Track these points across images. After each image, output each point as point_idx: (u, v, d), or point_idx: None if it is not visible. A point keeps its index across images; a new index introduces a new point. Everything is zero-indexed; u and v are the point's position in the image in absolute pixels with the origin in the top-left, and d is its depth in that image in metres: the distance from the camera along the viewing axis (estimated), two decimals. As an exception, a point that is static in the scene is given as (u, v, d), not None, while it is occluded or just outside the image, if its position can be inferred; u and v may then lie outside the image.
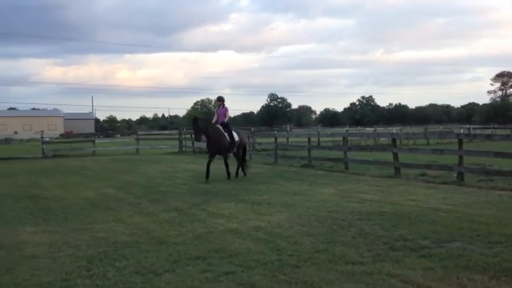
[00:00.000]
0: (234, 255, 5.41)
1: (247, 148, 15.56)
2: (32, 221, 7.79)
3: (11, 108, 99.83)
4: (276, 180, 12.62)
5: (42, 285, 4.59)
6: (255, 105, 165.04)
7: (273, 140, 20.49)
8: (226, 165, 13.16)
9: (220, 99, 13.97)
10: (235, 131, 14.05)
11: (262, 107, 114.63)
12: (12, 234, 6.84)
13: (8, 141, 41.65)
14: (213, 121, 13.70)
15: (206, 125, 13.14)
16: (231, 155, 13.93)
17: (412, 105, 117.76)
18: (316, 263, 5.05)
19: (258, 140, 25.06)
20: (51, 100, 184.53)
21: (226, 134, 13.23)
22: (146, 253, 5.66)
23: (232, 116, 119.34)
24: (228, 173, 13.15)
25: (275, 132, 23.44)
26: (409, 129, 40.47)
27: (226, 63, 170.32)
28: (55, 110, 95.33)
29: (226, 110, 13.79)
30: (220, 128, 13.28)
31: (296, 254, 5.37)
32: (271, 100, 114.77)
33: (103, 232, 6.86)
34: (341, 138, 18.00)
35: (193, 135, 28.56)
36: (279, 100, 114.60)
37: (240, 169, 13.85)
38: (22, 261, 5.43)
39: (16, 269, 5.13)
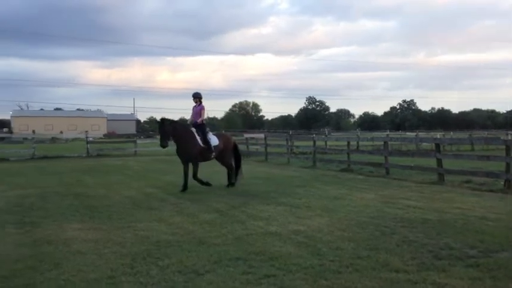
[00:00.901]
0: (275, 258, 5.40)
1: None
2: (78, 218, 8.03)
3: (57, 109, 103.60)
4: (314, 184, 12.53)
5: (89, 282, 4.72)
6: (292, 108, 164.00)
7: (311, 143, 20.36)
8: (185, 174, 11.42)
9: (196, 96, 12.03)
10: (216, 134, 12.54)
11: (300, 110, 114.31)
12: (60, 230, 7.06)
13: (54, 140, 43.30)
14: (188, 122, 12.34)
15: (174, 127, 11.52)
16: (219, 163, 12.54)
17: (455, 110, 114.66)
18: (359, 269, 4.97)
19: (296, 143, 24.94)
20: (95, 101, 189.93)
21: (198, 138, 11.52)
22: (188, 253, 5.73)
23: (269, 118, 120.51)
24: (203, 183, 11.55)
25: (314, 135, 23.28)
26: (452, 134, 39.31)
27: (264, 66, 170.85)
28: (99, 110, 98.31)
29: (201, 108, 11.92)
30: (193, 130, 11.65)
31: (337, 260, 5.30)
32: (309, 103, 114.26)
33: (146, 231, 7.00)
34: (381, 143, 17.71)
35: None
36: (317, 103, 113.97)
37: (235, 176, 12.36)
38: (69, 256, 5.60)
39: (63, 264, 5.30)
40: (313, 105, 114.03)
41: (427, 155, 16.39)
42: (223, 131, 13.43)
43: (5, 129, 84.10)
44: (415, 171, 14.23)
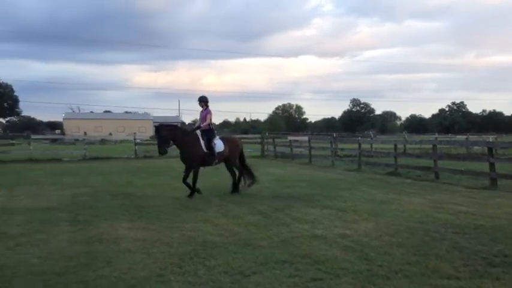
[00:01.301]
0: (321, 262, 5.36)
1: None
2: (127, 217, 8.26)
3: (106, 111, 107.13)
4: (360, 187, 12.33)
5: (139, 279, 4.84)
6: (336, 110, 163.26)
7: (355, 146, 20.06)
8: (185, 179, 10.97)
9: (201, 100, 11.59)
10: (222, 138, 11.88)
11: (344, 112, 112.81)
12: (110, 229, 7.28)
13: (103, 142, 44.75)
14: (196, 126, 11.93)
15: (174, 133, 11.11)
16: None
17: (507, 113, 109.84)
18: (408, 275, 4.85)
19: (341, 145, 24.64)
20: (142, 104, 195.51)
21: (202, 142, 11.04)
22: (234, 254, 5.78)
23: (313, 121, 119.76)
24: (192, 189, 10.89)
25: (359, 138, 22.93)
26: (505, 137, 37.68)
27: (307, 68, 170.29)
28: (145, 113, 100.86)
29: (208, 113, 11.41)
30: (198, 133, 11.22)
31: (386, 265, 5.19)
32: (354, 105, 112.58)
33: (192, 231, 7.11)
34: (429, 146, 17.20)
35: (272, 140, 29.06)
36: (362, 105, 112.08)
37: (238, 182, 11.72)
38: (120, 255, 5.77)
39: (115, 262, 5.46)
40: (358, 108, 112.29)
41: (479, 159, 15.76)
42: (232, 135, 12.39)
43: (57, 131, 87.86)
44: (466, 176, 13.73)
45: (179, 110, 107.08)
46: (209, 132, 11.24)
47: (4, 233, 6.86)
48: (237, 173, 11.85)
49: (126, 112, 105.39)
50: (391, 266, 5.16)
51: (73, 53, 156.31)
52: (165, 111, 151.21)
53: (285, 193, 11.34)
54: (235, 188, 11.56)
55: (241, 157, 12.02)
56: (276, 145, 27.84)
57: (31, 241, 6.39)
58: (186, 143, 10.98)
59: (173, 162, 22.80)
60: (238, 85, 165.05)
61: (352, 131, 77.06)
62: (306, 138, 26.67)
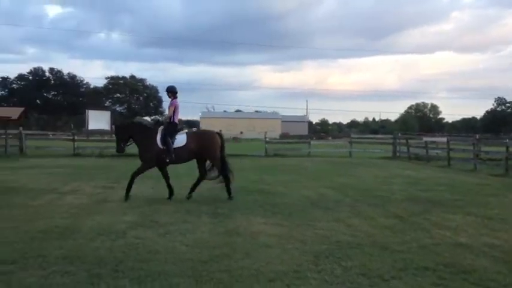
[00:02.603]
0: (468, 272, 4.99)
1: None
2: (261, 213, 8.55)
3: (237, 111, 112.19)
4: (508, 194, 11.22)
5: (277, 273, 4.99)
6: (477, 110, 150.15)
7: (502, 148, 18.26)
8: (165, 178, 10.20)
9: (168, 90, 10.48)
10: (191, 132, 10.82)
11: (487, 112, 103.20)
12: (247, 223, 7.61)
13: (235, 140, 46.99)
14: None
15: (131, 129, 10.29)
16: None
17: None
18: None
19: (484, 148, 22.61)
20: (270, 103, 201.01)
21: (158, 138, 9.97)
22: (370, 256, 5.65)
23: (450, 121, 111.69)
24: (128, 191, 9.81)
25: (506, 140, 20.80)
26: None
27: (443, 65, 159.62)
28: (274, 112, 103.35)
29: (170, 105, 10.37)
30: (158, 129, 10.14)
31: (546, 281, 4.66)
32: (498, 105, 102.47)
33: (325, 230, 7.11)
34: None
35: (406, 140, 27.73)
36: (508, 105, 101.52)
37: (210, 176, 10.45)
38: (257, 248, 6.00)
39: (253, 255, 5.69)
40: (503, 107, 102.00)
41: None
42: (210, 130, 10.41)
43: (194, 129, 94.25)
44: None
45: (307, 109, 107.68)
46: (169, 126, 10.15)
47: (156, 221, 7.55)
48: (215, 171, 10.38)
49: (256, 111, 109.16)
50: (553, 283, 4.61)
51: (208, 56, 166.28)
52: (293, 110, 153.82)
53: (421, 197, 10.78)
54: (228, 191, 10.15)
55: (223, 154, 10.46)
56: (409, 146, 26.56)
57: (179, 230, 6.94)
58: (141, 140, 10.08)
59: (304, 161, 23.10)
60: (368, 84, 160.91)
61: (496, 133, 70.19)
62: (443, 139, 24.98)
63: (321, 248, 6.04)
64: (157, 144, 9.95)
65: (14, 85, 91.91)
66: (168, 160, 10.03)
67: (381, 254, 5.75)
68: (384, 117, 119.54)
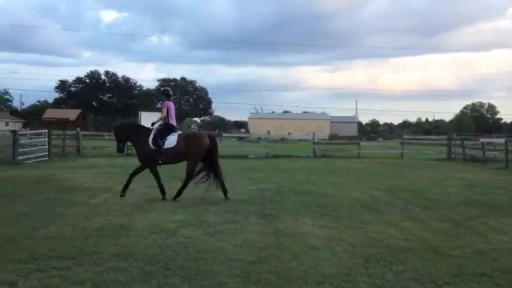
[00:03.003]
0: (529, 280, 4.73)
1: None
2: (310, 214, 8.48)
3: (285, 111, 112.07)
4: None
5: (326, 276, 4.93)
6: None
7: None
8: (157, 179, 10.27)
9: (162, 93, 10.94)
10: (182, 134, 10.60)
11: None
12: (295, 224, 7.57)
13: (283, 140, 46.91)
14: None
15: (128, 130, 10.64)
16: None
17: None
18: None
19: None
20: (319, 104, 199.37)
21: (150, 138, 10.11)
22: (423, 261, 5.49)
23: (508, 121, 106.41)
24: (124, 189, 10.03)
25: None
26: None
27: (501, 63, 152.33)
28: (323, 113, 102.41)
29: (163, 106, 10.60)
30: (152, 130, 10.27)
31: None
32: None
33: (376, 233, 6.96)
34: None
35: (461, 141, 26.65)
36: None
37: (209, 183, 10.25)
38: (306, 250, 5.96)
39: (301, 257, 5.66)
40: None
41: None
42: (198, 131, 10.30)
43: (242, 130, 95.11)
44: None
45: (356, 109, 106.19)
46: (165, 127, 10.32)
47: (204, 220, 7.66)
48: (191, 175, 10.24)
49: (304, 112, 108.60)
50: None
51: (256, 57, 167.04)
52: (342, 111, 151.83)
53: (478, 200, 10.33)
54: (178, 192, 10.01)
55: (212, 157, 10.34)
56: (465, 147, 25.55)
57: (227, 230, 7.01)
58: (137, 140, 10.34)
59: (353, 162, 22.77)
60: (420, 83, 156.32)
61: (560, 133, 66.08)
62: (501, 140, 23.84)
63: (372, 252, 5.92)
64: (149, 144, 10.12)
65: (72, 88, 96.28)
66: (160, 161, 10.17)
67: (434, 259, 5.56)
68: (437, 118, 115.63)
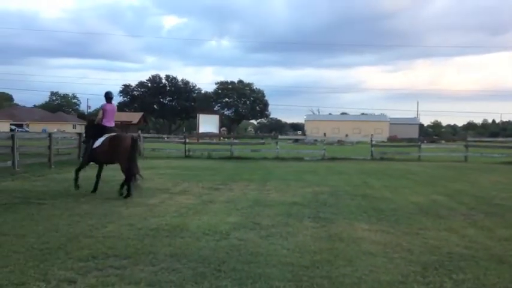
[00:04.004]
0: None
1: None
2: (365, 218, 8.26)
3: (343, 113, 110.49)
4: None
5: (381, 283, 4.77)
6: None
7: None
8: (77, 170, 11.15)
9: (104, 96, 11.43)
10: (108, 136, 10.77)
11: None
12: (350, 228, 7.40)
13: (340, 143, 46.24)
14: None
15: (88, 128, 11.79)
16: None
17: None
18: None
19: None
20: (378, 105, 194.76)
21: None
22: (485, 270, 5.19)
23: None
24: (75, 180, 10.99)
25: None
26: None
27: None
28: (382, 115, 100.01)
29: (100, 109, 11.69)
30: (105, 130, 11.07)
31: None
32: None
33: (435, 240, 6.68)
34: None
35: None
36: None
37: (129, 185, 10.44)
38: (361, 256, 5.80)
39: (356, 262, 5.51)
40: None
41: None
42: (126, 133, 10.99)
43: (298, 132, 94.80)
44: None
45: (417, 111, 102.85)
46: (96, 128, 11.18)
47: (257, 223, 7.66)
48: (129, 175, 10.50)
49: (362, 114, 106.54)
50: None
51: (313, 59, 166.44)
52: (402, 112, 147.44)
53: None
54: (129, 188, 10.38)
55: (131, 158, 10.55)
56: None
57: (280, 233, 6.97)
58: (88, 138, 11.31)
59: (413, 165, 22.00)
60: (486, 83, 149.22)
61: None
62: None
63: (430, 259, 5.67)
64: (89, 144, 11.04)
65: (135, 92, 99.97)
66: (83, 159, 11.23)
67: (498, 268, 5.24)
68: (505, 119, 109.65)
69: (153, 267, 5.23)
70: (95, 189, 10.93)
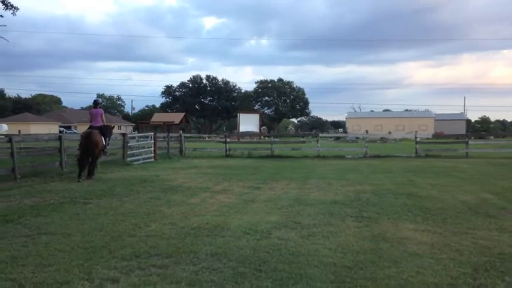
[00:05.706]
0: None
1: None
2: (411, 218, 7.99)
3: (385, 110, 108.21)
4: None
5: (429, 285, 4.58)
6: None
7: None
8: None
9: (92, 103, 15.75)
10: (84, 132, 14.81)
11: None
12: (394, 228, 7.17)
13: (383, 140, 45.29)
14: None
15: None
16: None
17: None
18: None
19: None
20: (422, 101, 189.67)
21: None
22: (542, 274, 4.87)
23: None
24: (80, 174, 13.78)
25: None
26: None
27: None
28: (426, 111, 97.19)
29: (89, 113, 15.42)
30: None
31: None
32: None
33: (485, 240, 6.37)
34: None
35: None
36: None
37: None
38: (406, 257, 5.59)
39: (401, 263, 5.32)
40: None
41: None
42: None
43: (340, 130, 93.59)
44: None
45: (464, 106, 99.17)
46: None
47: (298, 222, 7.56)
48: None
49: (406, 110, 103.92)
50: None
51: (353, 56, 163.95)
52: (448, 108, 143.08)
53: None
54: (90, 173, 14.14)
55: (90, 152, 14.00)
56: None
57: (322, 232, 6.83)
58: None
59: (461, 162, 21.21)
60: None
61: None
62: None
63: (481, 260, 5.41)
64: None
65: (176, 92, 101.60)
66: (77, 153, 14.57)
67: (557, 272, 4.91)
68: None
69: (194, 266, 5.23)
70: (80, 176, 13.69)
